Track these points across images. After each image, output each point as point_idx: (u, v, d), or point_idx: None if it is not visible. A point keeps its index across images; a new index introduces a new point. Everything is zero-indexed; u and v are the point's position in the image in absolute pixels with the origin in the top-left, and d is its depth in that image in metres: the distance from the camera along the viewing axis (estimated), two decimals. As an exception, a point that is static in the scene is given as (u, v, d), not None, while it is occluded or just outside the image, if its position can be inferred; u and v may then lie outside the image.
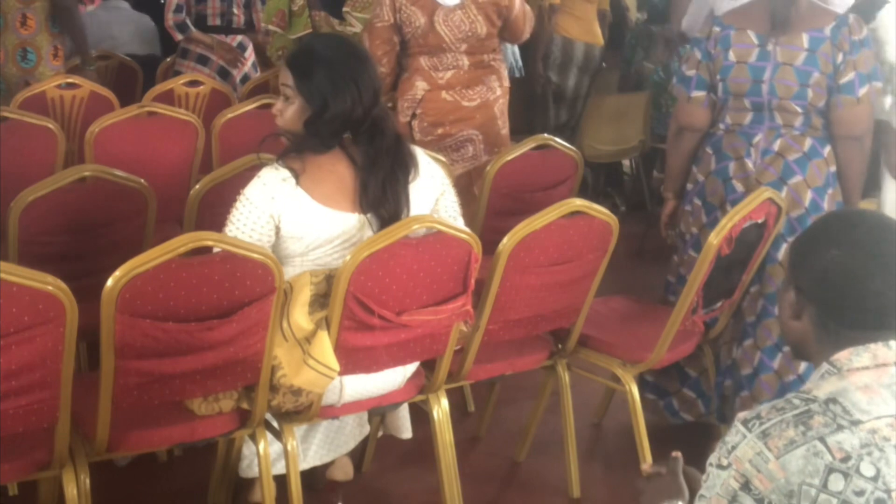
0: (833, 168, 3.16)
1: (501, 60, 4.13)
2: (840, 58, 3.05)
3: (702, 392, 3.39)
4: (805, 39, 3.07)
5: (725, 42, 3.14)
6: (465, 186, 3.86)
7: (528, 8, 4.13)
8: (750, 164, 3.13)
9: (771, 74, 3.08)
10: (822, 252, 1.57)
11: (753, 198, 2.92)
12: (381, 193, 2.54)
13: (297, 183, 2.51)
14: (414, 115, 3.97)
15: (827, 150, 3.15)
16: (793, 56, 3.07)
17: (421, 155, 2.71)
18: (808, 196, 3.12)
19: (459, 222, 2.73)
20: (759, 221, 2.96)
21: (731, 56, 3.13)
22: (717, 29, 3.17)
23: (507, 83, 4.14)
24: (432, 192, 2.69)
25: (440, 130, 3.97)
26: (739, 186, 3.13)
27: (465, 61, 3.96)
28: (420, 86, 3.96)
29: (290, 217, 2.51)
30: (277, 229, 2.52)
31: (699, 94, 3.20)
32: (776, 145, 3.12)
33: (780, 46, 3.08)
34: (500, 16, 3.98)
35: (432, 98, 3.95)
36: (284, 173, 2.51)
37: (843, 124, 3.10)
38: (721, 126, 3.21)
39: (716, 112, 3.21)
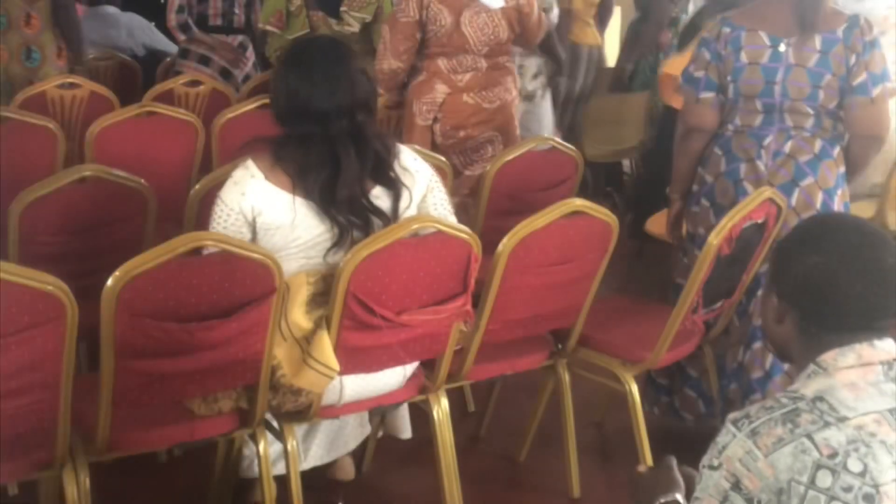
0: (842, 169, 3.15)
1: (513, 62, 4.16)
2: (853, 59, 3.04)
3: (702, 392, 3.38)
4: (818, 41, 3.05)
5: (736, 43, 3.11)
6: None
7: (543, 16, 4.18)
8: (761, 165, 3.12)
9: (783, 76, 3.06)
10: (802, 258, 1.57)
11: (753, 198, 2.91)
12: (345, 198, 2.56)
13: (266, 178, 2.55)
14: (436, 119, 3.99)
15: (836, 151, 3.14)
16: (805, 58, 3.06)
17: (405, 153, 2.72)
18: (820, 197, 3.11)
19: (452, 220, 2.73)
20: (759, 221, 2.96)
21: (743, 57, 3.10)
22: (726, 30, 3.14)
23: (519, 84, 4.16)
24: (418, 190, 2.70)
25: (462, 133, 3.99)
26: (751, 188, 3.09)
27: (483, 63, 3.98)
28: (440, 89, 3.97)
29: (262, 206, 2.54)
30: (254, 224, 2.55)
31: (708, 95, 3.18)
32: (787, 147, 3.11)
33: (792, 48, 3.06)
34: (520, 22, 4.02)
35: (454, 101, 3.97)
36: (254, 170, 2.56)
37: (860, 125, 3.10)
38: (730, 127, 3.18)
39: (724, 113, 3.20)
